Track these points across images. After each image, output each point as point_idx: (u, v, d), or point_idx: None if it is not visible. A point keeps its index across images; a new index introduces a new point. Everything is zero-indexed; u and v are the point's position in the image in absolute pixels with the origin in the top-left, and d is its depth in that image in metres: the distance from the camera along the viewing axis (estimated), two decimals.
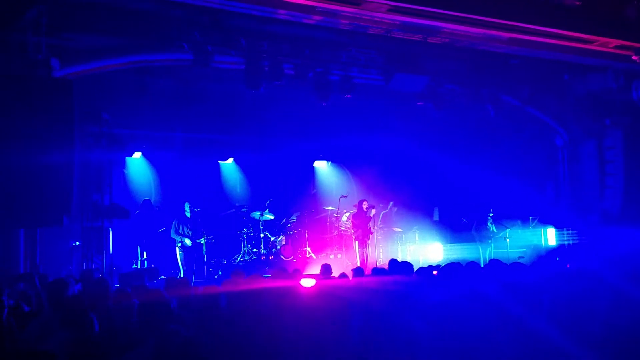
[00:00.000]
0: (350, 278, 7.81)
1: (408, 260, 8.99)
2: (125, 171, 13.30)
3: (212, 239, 12.11)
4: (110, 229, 10.73)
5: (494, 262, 7.73)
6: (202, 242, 12.27)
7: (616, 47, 10.48)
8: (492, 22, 9.40)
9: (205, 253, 11.66)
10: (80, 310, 4.71)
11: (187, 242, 11.99)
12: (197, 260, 12.10)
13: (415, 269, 6.83)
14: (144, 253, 12.39)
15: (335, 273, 8.24)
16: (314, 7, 8.58)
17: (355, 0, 8.24)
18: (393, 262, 7.94)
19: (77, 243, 10.52)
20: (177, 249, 12.06)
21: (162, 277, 10.18)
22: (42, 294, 5.95)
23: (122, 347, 4.41)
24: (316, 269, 11.46)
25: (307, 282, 6.53)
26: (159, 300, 5.48)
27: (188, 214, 12.18)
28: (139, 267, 12.11)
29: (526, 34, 9.89)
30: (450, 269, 6.12)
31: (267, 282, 6.54)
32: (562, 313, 5.08)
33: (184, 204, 12.29)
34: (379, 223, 13.84)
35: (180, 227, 12.08)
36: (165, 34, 9.97)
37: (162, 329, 4.55)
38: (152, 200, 13.12)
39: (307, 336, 4.36)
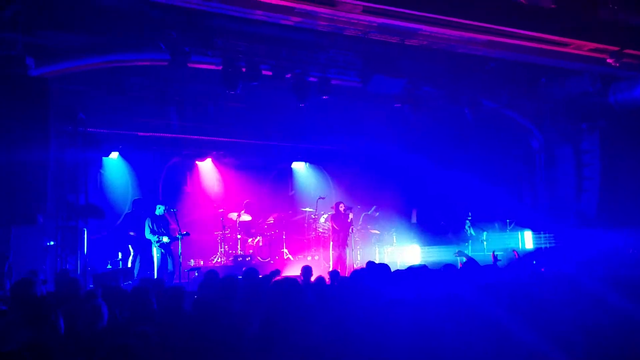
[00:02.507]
0: (327, 281, 7.83)
1: (385, 262, 9.02)
2: (102, 171, 13.20)
3: (186, 233, 12.01)
4: (85, 229, 10.65)
5: (470, 263, 7.82)
6: (178, 242, 12.18)
7: (591, 49, 10.55)
8: (469, 25, 9.42)
9: (181, 254, 11.58)
10: (46, 309, 4.66)
11: (165, 239, 11.88)
12: (173, 262, 12.01)
13: (392, 271, 6.84)
14: (130, 254, 12.32)
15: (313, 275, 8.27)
16: (292, 8, 8.56)
17: (331, 2, 8.23)
18: (370, 263, 7.96)
19: (52, 243, 10.41)
20: (155, 249, 11.95)
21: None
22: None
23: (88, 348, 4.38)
24: (293, 271, 11.48)
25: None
26: (129, 301, 5.46)
27: (158, 212, 12.07)
28: (133, 266, 12.06)
29: (502, 37, 9.93)
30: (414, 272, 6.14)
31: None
32: (535, 314, 5.12)
33: (156, 205, 12.19)
34: (358, 225, 13.87)
35: (154, 226, 11.97)
36: (142, 33, 9.90)
37: (130, 331, 4.53)
38: (133, 200, 13.01)
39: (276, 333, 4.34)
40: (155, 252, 11.92)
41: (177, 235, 11.79)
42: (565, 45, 10.38)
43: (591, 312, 5.15)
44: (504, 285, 6.05)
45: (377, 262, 8.55)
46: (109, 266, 11.95)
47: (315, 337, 3.64)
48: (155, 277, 11.39)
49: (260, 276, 7.30)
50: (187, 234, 12.13)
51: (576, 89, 13.16)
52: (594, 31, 10.30)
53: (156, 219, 11.99)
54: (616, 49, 10.51)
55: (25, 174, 8.18)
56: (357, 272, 7.52)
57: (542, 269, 8.84)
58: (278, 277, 7.80)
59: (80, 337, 4.75)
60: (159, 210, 12.01)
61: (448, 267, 6.80)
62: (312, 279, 7.89)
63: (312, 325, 3.71)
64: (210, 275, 7.20)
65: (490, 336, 4.65)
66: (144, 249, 12.21)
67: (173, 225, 12.03)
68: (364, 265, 8.28)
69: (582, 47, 10.51)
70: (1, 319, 5.10)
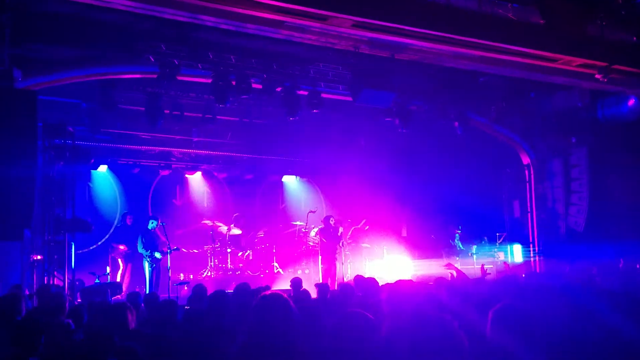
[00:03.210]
0: (315, 294, 7.78)
1: (375, 276, 8.98)
2: (91, 184, 13.12)
3: (176, 248, 11.92)
4: (73, 243, 10.53)
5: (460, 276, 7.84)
6: (167, 256, 12.09)
7: (579, 65, 10.62)
8: (458, 40, 9.46)
9: (170, 268, 11.48)
10: (30, 327, 4.60)
11: (157, 255, 11.80)
12: (162, 276, 11.90)
13: (380, 285, 6.81)
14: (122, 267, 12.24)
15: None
16: (282, 22, 8.57)
17: (321, 16, 8.24)
18: (359, 277, 7.94)
19: (39, 257, 10.28)
20: (147, 263, 11.86)
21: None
22: None
23: None
24: (283, 285, 11.42)
25: None
26: (115, 317, 5.37)
27: (150, 227, 11.99)
28: (122, 280, 11.95)
29: (492, 52, 9.98)
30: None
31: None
32: (522, 326, 5.09)
33: (147, 219, 12.11)
34: (347, 239, 13.83)
35: (146, 240, 11.88)
36: (132, 46, 9.87)
37: (116, 347, 4.46)
38: (122, 213, 12.95)
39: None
40: (147, 266, 11.84)
41: (167, 250, 11.71)
42: (553, 60, 10.45)
43: (579, 325, 5.13)
44: (493, 297, 6.02)
45: (366, 275, 8.53)
46: (97, 280, 11.80)
47: (300, 353, 3.60)
48: (147, 291, 11.33)
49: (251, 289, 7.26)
50: (177, 249, 12.04)
51: (565, 103, 13.25)
52: (582, 47, 10.38)
53: (148, 233, 11.93)
54: (604, 64, 10.58)
55: (11, 188, 8.05)
56: (344, 286, 7.49)
57: (531, 282, 8.84)
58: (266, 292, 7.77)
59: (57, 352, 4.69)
60: (152, 224, 11.95)
61: (438, 281, 6.78)
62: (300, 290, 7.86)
63: (298, 340, 3.67)
64: (198, 289, 7.16)
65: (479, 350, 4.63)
66: (134, 263, 12.13)
67: (163, 239, 11.94)
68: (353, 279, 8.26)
69: (571, 63, 10.57)
70: None
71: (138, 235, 12.03)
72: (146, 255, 11.80)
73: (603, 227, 13.01)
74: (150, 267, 11.79)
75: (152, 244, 11.85)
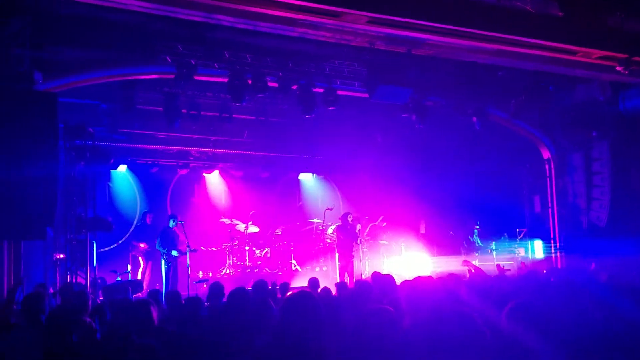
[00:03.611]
0: (335, 293, 7.80)
1: (393, 273, 8.96)
2: (111, 184, 13.30)
3: (194, 250, 12.02)
4: (94, 242, 10.70)
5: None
6: (186, 254, 12.21)
7: (599, 57, 10.46)
8: (476, 34, 9.37)
9: (190, 266, 11.59)
10: (59, 325, 4.68)
11: (174, 252, 11.92)
12: (182, 274, 12.01)
13: (398, 282, 6.79)
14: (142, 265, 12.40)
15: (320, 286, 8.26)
16: (296, 20, 8.58)
17: (335, 12, 8.22)
18: (376, 274, 7.92)
19: (61, 256, 10.46)
20: (163, 261, 11.99)
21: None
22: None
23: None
24: (301, 282, 11.45)
25: None
26: (138, 314, 5.44)
27: (171, 225, 12.12)
28: (143, 278, 12.15)
29: (510, 45, 9.87)
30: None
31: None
32: (536, 325, 5.04)
33: (167, 217, 12.24)
34: (365, 236, 13.81)
35: (166, 238, 12.01)
36: (149, 47, 9.97)
37: (134, 344, 4.52)
38: (143, 212, 13.11)
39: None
40: (163, 264, 11.97)
41: (185, 250, 11.84)
42: (573, 53, 10.30)
43: (601, 322, 5.07)
44: (512, 294, 5.96)
45: (384, 272, 8.51)
46: (119, 278, 11.97)
47: (324, 350, 3.61)
48: (164, 288, 11.44)
49: (269, 287, 7.32)
50: (195, 250, 12.14)
51: (585, 96, 13.04)
52: (602, 39, 10.22)
53: (167, 232, 12.06)
54: (625, 56, 10.42)
55: (34, 188, 8.21)
56: (362, 283, 7.48)
57: (552, 279, 8.75)
58: (290, 290, 7.81)
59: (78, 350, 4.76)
60: (172, 223, 12.08)
61: (452, 277, 6.74)
62: (319, 290, 7.87)
63: (324, 338, 3.69)
64: (214, 287, 7.22)
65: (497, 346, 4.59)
66: (155, 260, 12.27)
67: (182, 238, 12.06)
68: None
69: (591, 55, 10.42)
70: (15, 333, 5.14)
71: (158, 233, 12.17)
72: (163, 253, 11.93)
73: (626, 222, 12.77)
74: (166, 265, 11.91)
75: (170, 242, 11.96)
